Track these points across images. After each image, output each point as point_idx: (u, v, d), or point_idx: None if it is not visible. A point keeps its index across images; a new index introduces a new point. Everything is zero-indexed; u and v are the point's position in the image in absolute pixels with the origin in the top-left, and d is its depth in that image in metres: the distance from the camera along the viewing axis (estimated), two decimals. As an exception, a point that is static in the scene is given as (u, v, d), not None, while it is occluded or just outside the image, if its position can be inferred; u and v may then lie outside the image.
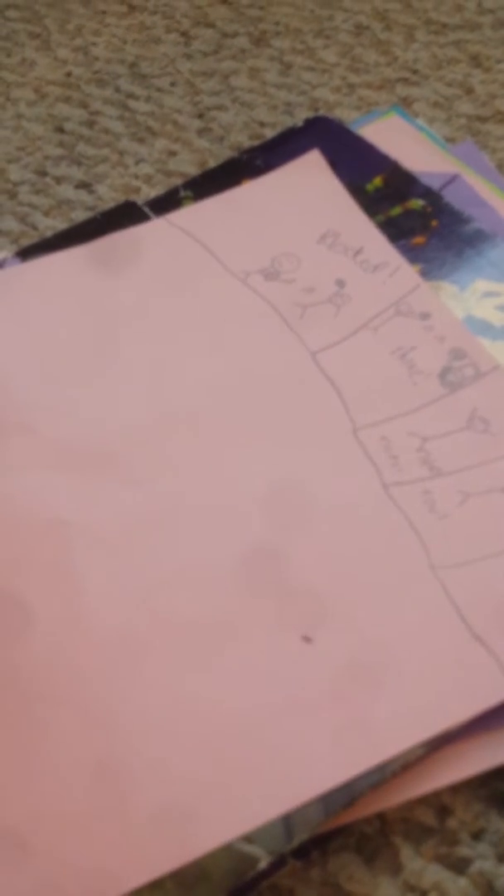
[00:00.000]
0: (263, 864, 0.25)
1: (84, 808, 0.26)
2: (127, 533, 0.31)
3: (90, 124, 0.48)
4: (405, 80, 0.48)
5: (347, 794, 0.26)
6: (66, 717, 0.27)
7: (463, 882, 0.25)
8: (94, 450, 0.33)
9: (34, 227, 0.43)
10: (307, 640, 0.28)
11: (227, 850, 0.25)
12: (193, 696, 0.27)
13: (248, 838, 0.25)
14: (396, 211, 0.39)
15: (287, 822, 0.25)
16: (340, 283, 0.37)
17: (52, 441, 0.33)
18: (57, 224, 0.42)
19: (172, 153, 0.46)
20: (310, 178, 0.40)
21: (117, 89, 0.49)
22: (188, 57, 0.51)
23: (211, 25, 0.52)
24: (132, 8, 0.54)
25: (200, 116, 0.47)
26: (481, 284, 0.37)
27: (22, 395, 0.34)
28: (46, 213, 0.43)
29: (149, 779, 0.26)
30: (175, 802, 0.25)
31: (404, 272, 0.37)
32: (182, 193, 0.42)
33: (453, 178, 0.41)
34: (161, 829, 0.25)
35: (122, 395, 0.34)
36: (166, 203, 0.41)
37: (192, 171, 0.44)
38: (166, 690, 0.27)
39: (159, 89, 0.49)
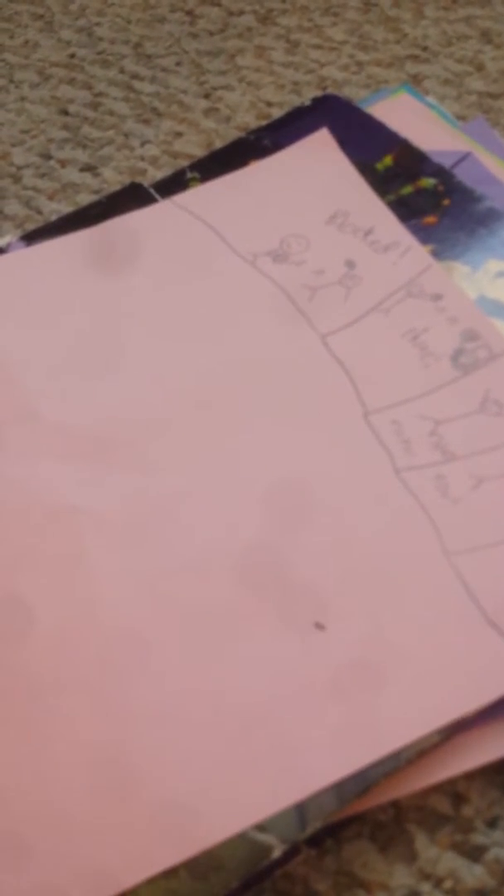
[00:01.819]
0: (277, 852, 0.25)
1: (86, 807, 0.25)
2: (135, 521, 0.30)
3: (94, 106, 0.47)
4: (415, 58, 0.48)
5: (361, 782, 0.25)
6: (68, 715, 0.27)
7: (478, 870, 0.25)
8: (101, 437, 0.32)
9: (39, 212, 0.42)
10: (319, 626, 0.28)
11: (241, 839, 0.25)
12: (198, 690, 0.27)
13: (262, 827, 0.25)
14: (407, 190, 0.39)
15: (300, 810, 0.25)
16: (350, 265, 0.36)
17: (58, 429, 0.32)
18: (62, 208, 0.42)
19: (178, 134, 0.45)
20: (318, 158, 0.40)
21: (122, 70, 0.49)
22: (194, 36, 0.50)
23: (216, 4, 0.52)
24: (136, -13, 0.53)
25: (206, 96, 0.47)
26: (494, 264, 0.36)
27: (27, 381, 0.34)
28: (51, 197, 0.43)
29: (152, 776, 0.26)
30: (178, 799, 0.25)
31: (416, 252, 0.36)
32: (189, 175, 0.41)
33: (465, 156, 0.40)
34: (164, 825, 0.25)
35: (129, 381, 0.34)
36: (173, 185, 0.41)
37: (199, 152, 0.44)
38: (171, 685, 0.27)
39: (164, 69, 0.48)
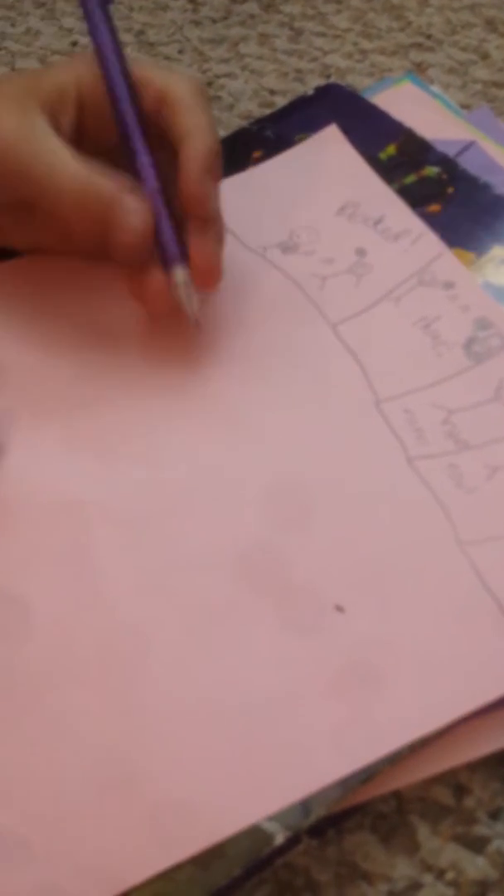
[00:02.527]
0: (280, 840, 0.24)
1: (88, 805, 0.25)
2: (141, 516, 0.30)
3: (96, 94, 0.47)
4: (419, 46, 0.47)
5: (364, 771, 0.25)
6: (69, 713, 0.26)
7: (481, 861, 0.25)
8: (105, 432, 0.32)
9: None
10: (340, 609, 0.28)
11: (243, 827, 0.25)
12: (201, 687, 0.27)
13: (264, 815, 0.25)
14: (411, 179, 0.38)
15: (304, 798, 0.25)
16: (361, 253, 0.36)
17: (63, 428, 0.32)
18: (63, 196, 0.42)
19: (181, 122, 0.45)
20: (328, 153, 0.39)
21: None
22: (196, 24, 0.50)
23: (219, -9, 0.51)
24: (138, -26, 0.53)
25: (209, 84, 0.46)
26: (499, 251, 0.36)
27: (30, 382, 0.33)
28: (53, 185, 0.42)
29: (153, 774, 0.25)
30: (179, 796, 0.25)
31: (427, 240, 0.36)
32: (191, 165, 0.41)
33: (469, 145, 0.40)
34: (165, 823, 0.25)
35: (137, 373, 0.33)
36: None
37: (201, 140, 0.43)
38: (173, 683, 0.27)
39: (167, 57, 0.48)
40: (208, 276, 0.32)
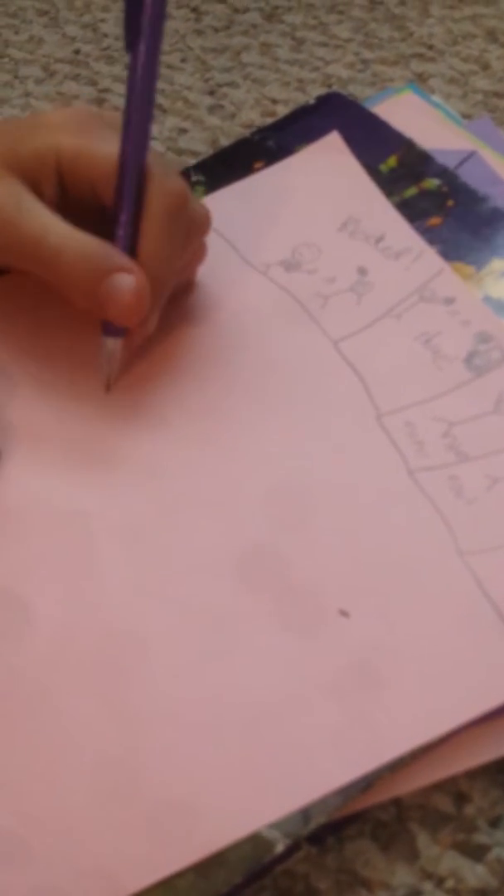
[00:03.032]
0: (280, 847, 0.25)
1: (88, 809, 0.25)
2: (140, 523, 0.30)
3: (99, 102, 0.47)
4: (420, 56, 0.48)
5: (364, 778, 0.25)
6: (70, 717, 0.27)
7: (480, 869, 0.25)
8: (106, 439, 0.32)
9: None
10: (344, 613, 0.28)
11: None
12: (202, 692, 0.27)
13: (265, 823, 0.25)
14: (411, 192, 0.39)
15: (305, 805, 0.25)
16: (362, 272, 0.36)
17: (63, 435, 0.32)
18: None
19: (183, 131, 0.45)
20: (329, 163, 0.40)
21: (126, 66, 0.49)
22: (199, 33, 0.50)
23: (222, 1, 0.52)
24: (141, -17, 0.53)
25: (211, 93, 0.47)
26: (498, 264, 0.36)
27: (32, 392, 0.34)
28: (56, 194, 0.43)
29: (154, 778, 0.26)
30: (180, 801, 0.25)
31: (428, 257, 0.36)
32: (193, 178, 0.41)
33: (470, 155, 0.40)
34: (166, 828, 0.25)
35: (138, 384, 0.34)
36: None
37: (203, 149, 0.44)
38: (174, 687, 0.27)
39: (170, 66, 0.48)
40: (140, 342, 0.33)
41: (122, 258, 0.30)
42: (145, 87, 0.31)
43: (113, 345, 0.32)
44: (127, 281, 0.30)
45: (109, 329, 0.32)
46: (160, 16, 0.30)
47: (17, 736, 0.26)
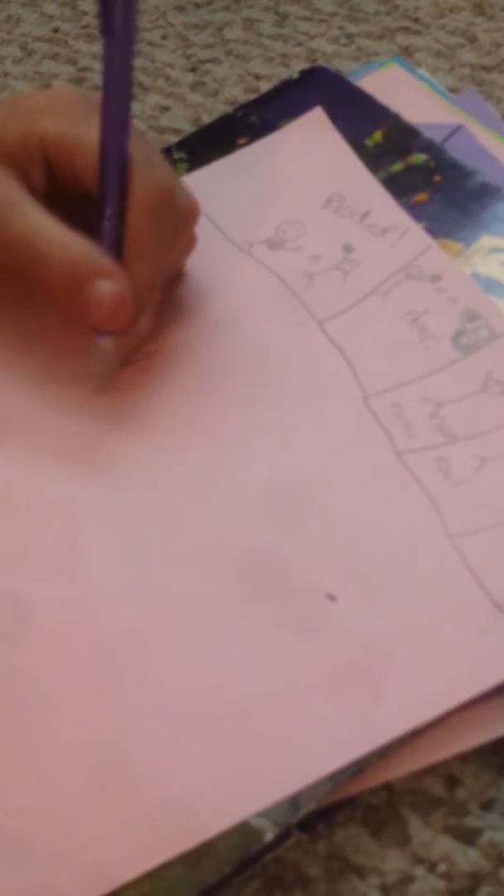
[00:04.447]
0: (269, 836, 0.24)
1: (85, 805, 0.25)
2: (130, 516, 0.30)
3: (79, 81, 0.46)
4: (406, 29, 0.47)
5: (354, 765, 0.25)
6: (66, 713, 0.26)
7: (473, 853, 0.25)
8: (99, 434, 0.32)
9: (23, 190, 0.41)
10: (332, 598, 0.27)
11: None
12: (196, 687, 0.27)
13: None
14: (398, 167, 0.38)
15: (293, 794, 0.25)
16: (348, 249, 0.35)
17: (56, 436, 0.32)
18: (47, 186, 0.41)
19: (165, 109, 0.44)
20: (313, 139, 0.39)
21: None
22: (180, 9, 0.49)
23: (203, -25, 0.51)
24: (121, -42, 0.52)
25: (193, 70, 0.46)
26: (487, 240, 0.35)
27: (22, 391, 0.33)
28: (36, 175, 0.42)
29: (150, 773, 0.25)
30: (176, 795, 0.25)
31: (414, 233, 0.35)
32: (175, 155, 0.40)
33: (457, 129, 0.39)
34: (162, 822, 0.25)
35: (122, 373, 0.33)
36: (159, 162, 0.40)
37: (186, 126, 0.43)
38: (169, 683, 0.27)
39: (150, 43, 0.47)
40: (135, 346, 0.32)
41: (104, 262, 0.29)
42: (122, 73, 0.30)
43: (106, 345, 0.31)
44: (108, 287, 0.29)
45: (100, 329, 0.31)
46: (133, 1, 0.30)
47: (10, 733, 0.26)
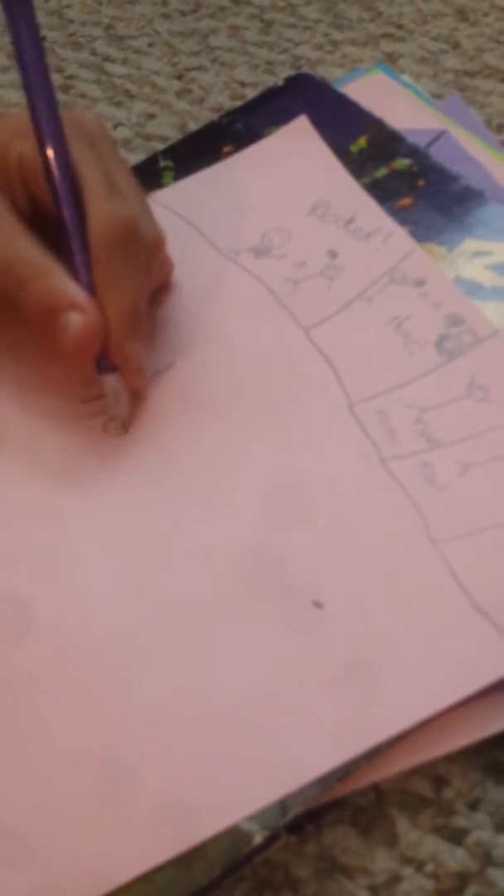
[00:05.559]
0: (258, 839, 0.24)
1: (84, 806, 0.25)
2: (125, 519, 0.30)
3: (66, 89, 0.46)
4: (390, 36, 0.47)
5: (342, 767, 0.25)
6: (65, 715, 0.26)
7: (460, 853, 0.25)
8: (97, 440, 0.32)
9: (11, 198, 0.41)
10: (318, 605, 0.28)
11: (222, 828, 0.25)
12: (194, 689, 0.27)
13: (242, 815, 0.25)
14: (382, 172, 0.38)
15: (283, 796, 0.25)
16: (332, 255, 0.36)
17: (53, 441, 0.32)
18: (34, 193, 0.41)
19: (151, 116, 0.44)
20: (297, 147, 0.39)
21: (93, 52, 0.48)
22: (166, 17, 0.49)
23: (188, -17, 0.51)
24: (107, -33, 0.52)
25: (179, 78, 0.46)
26: (470, 244, 0.36)
27: (20, 397, 0.33)
28: (23, 183, 0.42)
29: (149, 774, 0.25)
30: (175, 796, 0.25)
31: (398, 237, 0.36)
32: (162, 163, 0.40)
33: (440, 135, 0.40)
34: (160, 823, 0.25)
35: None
36: (145, 172, 0.40)
37: (172, 133, 0.43)
38: (167, 685, 0.27)
39: (136, 51, 0.48)
40: (139, 382, 0.32)
41: (78, 295, 0.29)
42: (37, 81, 0.30)
43: (112, 382, 0.31)
44: (77, 320, 0.29)
45: (101, 367, 0.31)
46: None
47: (10, 733, 0.26)
